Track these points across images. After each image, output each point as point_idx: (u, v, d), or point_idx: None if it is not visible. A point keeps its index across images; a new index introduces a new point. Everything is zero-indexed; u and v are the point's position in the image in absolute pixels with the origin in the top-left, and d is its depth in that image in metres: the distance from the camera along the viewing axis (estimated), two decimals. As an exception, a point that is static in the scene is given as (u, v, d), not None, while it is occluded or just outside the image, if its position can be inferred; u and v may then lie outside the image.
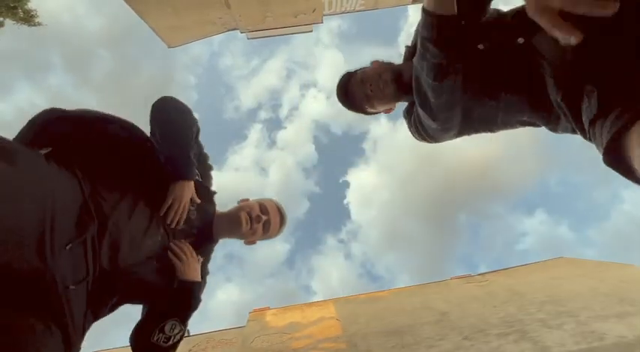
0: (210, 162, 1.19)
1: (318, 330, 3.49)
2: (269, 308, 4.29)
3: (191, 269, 1.00)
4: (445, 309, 2.60)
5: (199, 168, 1.08)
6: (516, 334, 2.61)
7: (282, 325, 3.68)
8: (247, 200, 1.21)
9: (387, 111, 1.09)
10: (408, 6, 9.87)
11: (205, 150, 1.16)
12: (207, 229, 1.13)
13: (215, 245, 1.19)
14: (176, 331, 0.95)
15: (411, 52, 0.97)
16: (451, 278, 3.42)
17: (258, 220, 1.12)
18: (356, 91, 1.03)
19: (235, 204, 1.21)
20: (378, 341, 2.43)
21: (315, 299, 4.31)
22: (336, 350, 3.06)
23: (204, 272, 1.11)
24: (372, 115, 1.12)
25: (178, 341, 0.97)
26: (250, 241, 1.19)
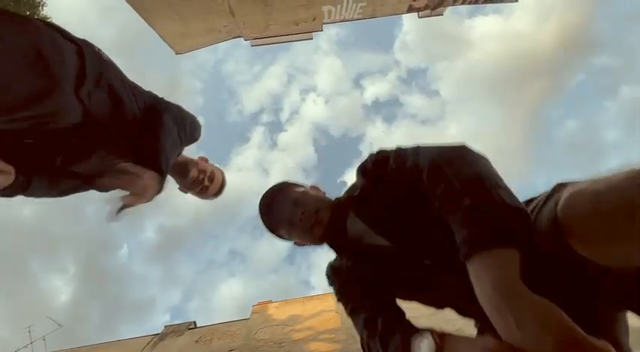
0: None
1: (318, 322, 3.50)
2: (271, 302, 4.30)
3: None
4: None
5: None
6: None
7: (284, 317, 3.69)
8: (206, 160, 1.18)
9: (297, 243, 0.90)
10: (403, 15, 9.88)
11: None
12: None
13: None
14: None
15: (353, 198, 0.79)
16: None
17: (200, 183, 1.12)
18: (283, 210, 0.83)
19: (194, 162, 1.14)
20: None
21: (314, 293, 4.32)
22: (336, 342, 3.06)
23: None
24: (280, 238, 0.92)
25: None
26: (182, 190, 1.18)
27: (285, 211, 0.83)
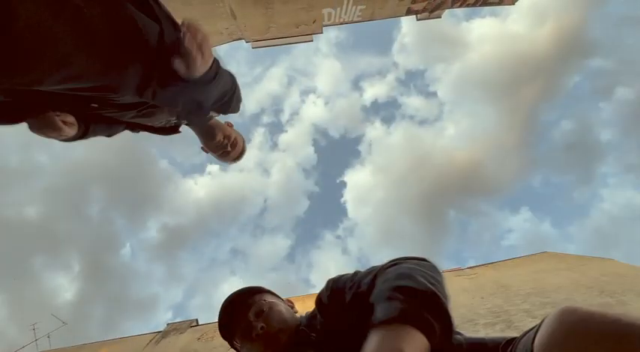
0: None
1: (318, 320, 3.50)
2: (272, 300, 4.30)
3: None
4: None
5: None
6: (503, 324, 2.61)
7: (285, 315, 3.70)
8: (232, 126, 1.20)
9: None
10: (401, 17, 9.88)
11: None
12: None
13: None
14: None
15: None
16: (442, 272, 3.44)
17: (224, 148, 1.15)
18: (243, 318, 0.75)
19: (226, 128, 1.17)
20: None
21: (314, 291, 4.32)
22: (335, 339, 3.06)
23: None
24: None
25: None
26: (204, 150, 1.20)
27: (245, 320, 0.74)
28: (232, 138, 1.17)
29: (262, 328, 0.71)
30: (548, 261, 3.98)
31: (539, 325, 0.51)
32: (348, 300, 0.63)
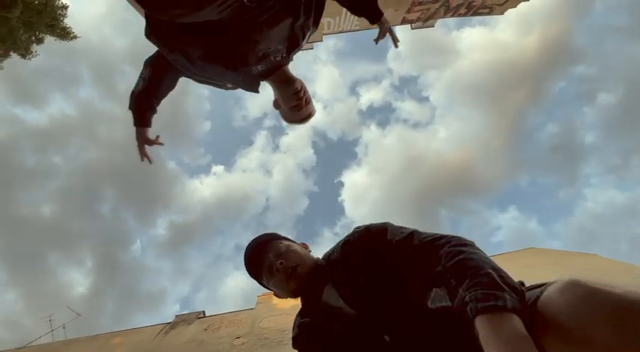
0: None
1: (318, 312, 3.50)
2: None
3: None
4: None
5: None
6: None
7: (287, 307, 3.69)
8: (304, 85, 1.12)
9: (275, 294, 0.87)
10: (397, 26, 9.88)
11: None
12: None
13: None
14: None
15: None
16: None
17: (299, 99, 1.06)
18: (266, 258, 0.82)
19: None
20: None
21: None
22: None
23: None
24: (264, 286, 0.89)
25: None
26: (275, 104, 1.13)
27: (268, 259, 0.82)
28: (308, 94, 1.09)
29: (281, 263, 0.79)
30: (535, 257, 3.98)
31: (543, 289, 0.52)
32: (387, 253, 0.68)
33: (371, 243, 0.73)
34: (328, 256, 0.82)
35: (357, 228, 0.79)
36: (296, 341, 0.79)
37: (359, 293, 0.70)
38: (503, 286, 0.49)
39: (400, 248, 0.67)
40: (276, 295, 0.87)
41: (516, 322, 0.45)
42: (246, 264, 0.86)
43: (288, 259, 0.80)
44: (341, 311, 0.71)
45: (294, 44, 0.99)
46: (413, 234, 0.67)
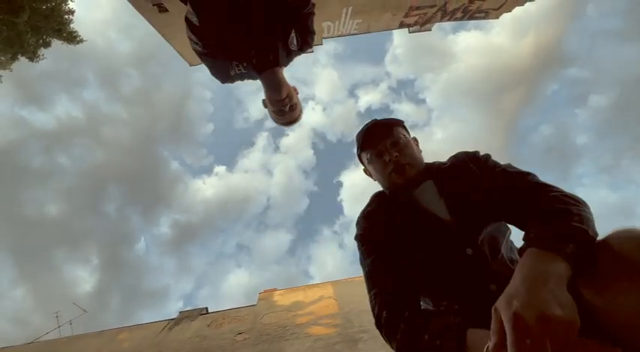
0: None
1: (318, 308, 3.50)
2: (276, 290, 4.30)
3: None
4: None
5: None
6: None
7: (288, 304, 3.69)
8: (297, 92, 1.16)
9: (366, 172, 0.89)
10: (394, 30, 9.89)
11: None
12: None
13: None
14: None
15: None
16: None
17: (283, 105, 1.08)
18: (382, 142, 0.81)
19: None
20: (370, 317, 2.44)
21: (313, 282, 4.31)
22: (334, 326, 3.06)
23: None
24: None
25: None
26: (264, 104, 1.15)
27: (383, 144, 0.79)
28: (293, 102, 1.12)
29: (396, 156, 0.77)
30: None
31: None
32: (489, 178, 0.71)
33: (476, 162, 0.75)
34: (439, 164, 0.81)
35: (477, 151, 0.80)
36: (369, 215, 0.78)
37: (462, 197, 0.69)
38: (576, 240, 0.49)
39: (505, 177, 0.70)
40: (365, 172, 0.88)
41: (563, 267, 0.45)
42: (363, 133, 0.83)
43: (403, 154, 0.77)
44: (428, 211, 0.70)
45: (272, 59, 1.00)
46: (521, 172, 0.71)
